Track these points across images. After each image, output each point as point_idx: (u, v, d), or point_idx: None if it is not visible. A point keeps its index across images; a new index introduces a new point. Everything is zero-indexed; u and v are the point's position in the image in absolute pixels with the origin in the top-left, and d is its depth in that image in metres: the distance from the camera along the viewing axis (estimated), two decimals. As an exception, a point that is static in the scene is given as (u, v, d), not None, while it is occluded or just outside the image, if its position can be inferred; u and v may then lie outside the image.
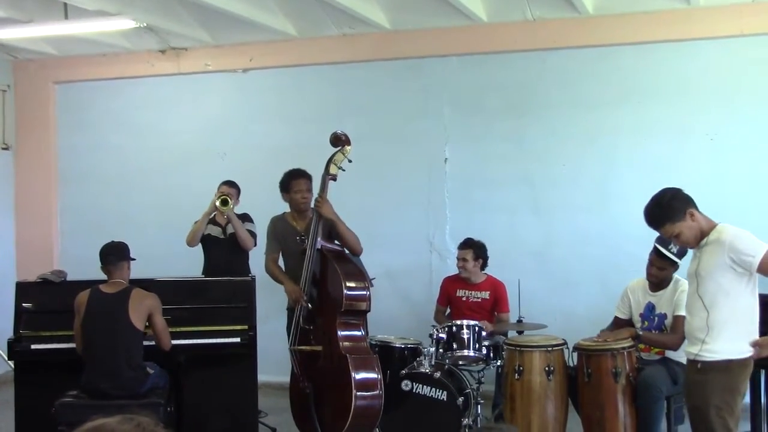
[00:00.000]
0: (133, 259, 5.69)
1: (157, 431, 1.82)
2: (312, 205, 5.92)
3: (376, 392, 5.46)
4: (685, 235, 4.32)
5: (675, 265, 5.53)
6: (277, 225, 6.28)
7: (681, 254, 5.46)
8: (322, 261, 5.70)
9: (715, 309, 4.23)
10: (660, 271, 5.58)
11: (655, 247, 5.55)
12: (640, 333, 5.52)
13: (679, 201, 4.34)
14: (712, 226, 4.31)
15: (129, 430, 1.77)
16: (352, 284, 5.55)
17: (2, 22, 7.13)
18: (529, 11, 7.32)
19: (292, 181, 6.13)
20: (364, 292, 5.63)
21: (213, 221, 7.02)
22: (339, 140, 5.78)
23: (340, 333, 5.50)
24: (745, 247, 4.16)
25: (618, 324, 5.79)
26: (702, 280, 4.27)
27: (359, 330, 5.62)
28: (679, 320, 5.35)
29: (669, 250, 5.48)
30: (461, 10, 7.13)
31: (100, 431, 1.77)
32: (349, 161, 5.77)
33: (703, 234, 4.30)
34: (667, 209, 4.32)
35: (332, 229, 5.87)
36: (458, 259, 6.77)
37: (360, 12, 7.23)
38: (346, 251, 5.93)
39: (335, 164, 5.73)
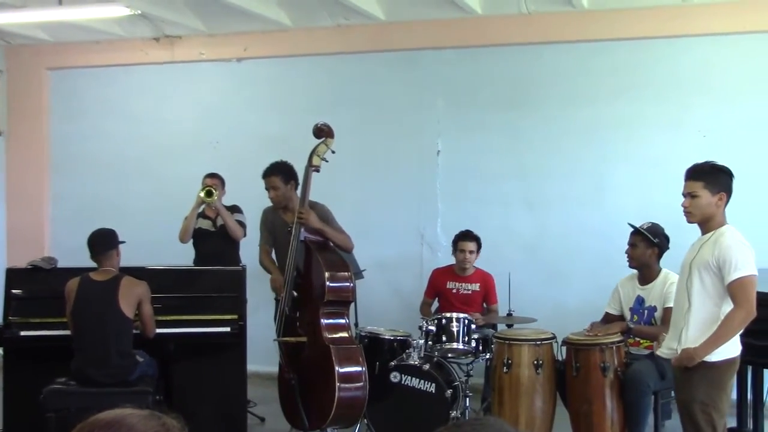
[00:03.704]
0: (123, 242, 5.66)
1: None
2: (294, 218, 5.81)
3: (360, 384, 5.47)
4: (697, 203, 4.29)
5: (647, 242, 5.61)
6: (268, 216, 6.27)
7: (651, 232, 5.62)
8: (306, 252, 5.71)
9: (695, 305, 4.28)
10: (633, 250, 5.69)
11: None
12: (632, 326, 5.58)
13: (725, 179, 4.33)
14: (723, 223, 4.33)
15: (153, 428, 1.69)
16: (334, 275, 5.55)
17: (-4, 7, 7.10)
18: (524, 5, 7.31)
19: (264, 179, 6.12)
20: (347, 283, 5.64)
21: (203, 215, 7.03)
22: (321, 132, 5.76)
23: (324, 323, 5.52)
24: (731, 259, 4.17)
25: (608, 319, 5.82)
26: (692, 273, 4.30)
27: (343, 320, 5.64)
28: (669, 312, 5.39)
29: (640, 226, 5.65)
30: (456, 2, 7.13)
31: (122, 424, 1.68)
32: (333, 152, 5.75)
33: (711, 225, 4.31)
34: (713, 174, 4.31)
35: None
36: (460, 251, 6.75)
37: (355, 3, 7.21)
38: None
39: (318, 156, 5.72)
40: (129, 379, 5.39)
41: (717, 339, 4.19)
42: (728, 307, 4.22)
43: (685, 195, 4.38)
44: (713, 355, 4.21)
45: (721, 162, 4.43)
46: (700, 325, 4.25)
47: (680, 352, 4.28)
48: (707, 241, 4.29)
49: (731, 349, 4.27)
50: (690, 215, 4.37)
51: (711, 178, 4.30)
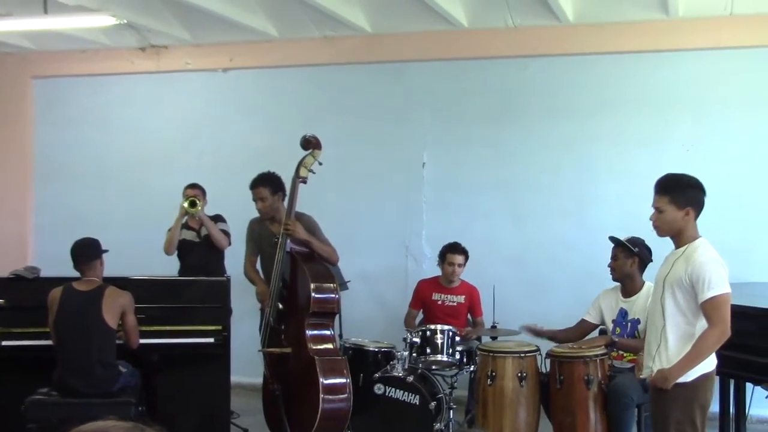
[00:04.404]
0: (106, 251, 5.62)
1: None
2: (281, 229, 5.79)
3: (344, 395, 5.46)
4: (664, 217, 4.19)
5: (627, 252, 5.64)
6: (254, 227, 6.26)
7: (631, 242, 5.65)
8: (292, 263, 5.71)
9: (669, 323, 4.17)
10: (614, 262, 5.73)
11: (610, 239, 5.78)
12: (616, 340, 5.58)
13: (692, 193, 4.20)
14: (695, 237, 4.22)
15: None
16: (320, 286, 5.55)
17: (-20, 16, 7.07)
18: (510, 18, 7.35)
19: (251, 190, 6.09)
20: (333, 295, 5.64)
21: (186, 226, 6.99)
22: (309, 143, 5.77)
23: (309, 335, 5.51)
24: (705, 277, 4.06)
25: (582, 326, 5.86)
26: (665, 290, 4.20)
27: (328, 332, 5.63)
28: None
29: (621, 238, 5.69)
30: (442, 15, 7.15)
31: None
32: (320, 164, 5.75)
33: (683, 239, 4.21)
34: (679, 189, 4.19)
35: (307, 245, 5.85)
36: (449, 263, 6.75)
37: (341, 14, 7.23)
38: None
39: (305, 167, 5.72)
40: (112, 390, 5.35)
41: (691, 359, 4.09)
42: (703, 324, 4.12)
43: (654, 208, 4.30)
44: (687, 376, 4.11)
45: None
46: (676, 344, 4.15)
47: (655, 373, 4.19)
48: (680, 257, 4.19)
49: (705, 365, 4.16)
50: (657, 229, 4.29)
51: (677, 193, 4.19)
